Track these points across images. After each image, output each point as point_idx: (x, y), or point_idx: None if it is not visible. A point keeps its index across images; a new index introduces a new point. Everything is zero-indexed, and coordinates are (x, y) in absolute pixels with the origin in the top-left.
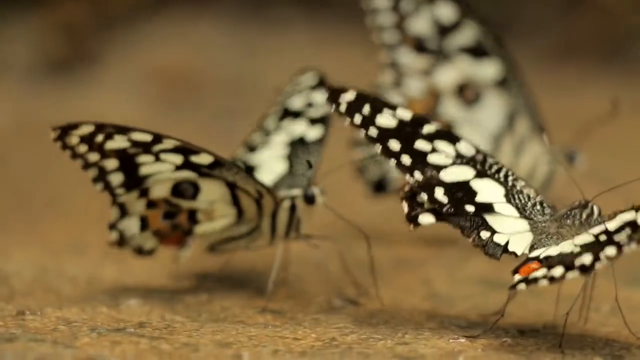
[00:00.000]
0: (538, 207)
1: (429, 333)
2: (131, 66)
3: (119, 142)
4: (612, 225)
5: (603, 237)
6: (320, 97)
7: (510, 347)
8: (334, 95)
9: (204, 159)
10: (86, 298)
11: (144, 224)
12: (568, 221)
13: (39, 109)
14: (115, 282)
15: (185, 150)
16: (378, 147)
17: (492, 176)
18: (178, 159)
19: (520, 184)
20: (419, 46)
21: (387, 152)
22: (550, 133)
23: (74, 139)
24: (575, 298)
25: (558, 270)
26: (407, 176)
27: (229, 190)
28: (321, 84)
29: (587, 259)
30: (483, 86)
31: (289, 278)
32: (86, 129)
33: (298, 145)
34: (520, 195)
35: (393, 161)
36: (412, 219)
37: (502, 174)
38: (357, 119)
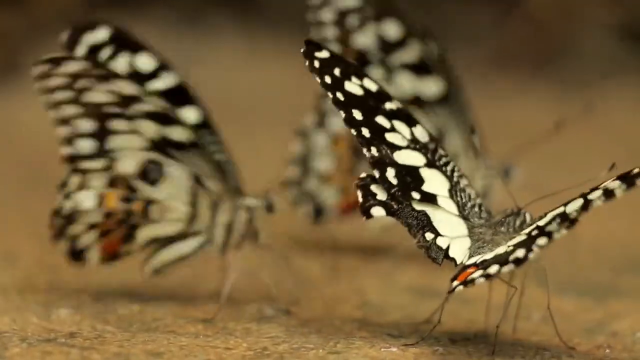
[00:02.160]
0: (476, 209)
1: (361, 342)
2: None
3: (100, 94)
4: (542, 222)
5: (535, 232)
6: None
7: (442, 356)
8: (309, 50)
9: (179, 133)
10: (17, 308)
11: (100, 201)
12: (502, 228)
13: None
14: (46, 292)
15: (162, 118)
16: (342, 114)
17: (439, 168)
18: (152, 128)
19: (463, 182)
20: (361, 60)
21: (350, 121)
22: (484, 143)
23: (59, 80)
24: (504, 307)
25: (493, 268)
26: (364, 150)
27: (191, 184)
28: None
29: (520, 252)
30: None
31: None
32: (76, 66)
33: None
34: (462, 194)
35: (353, 131)
36: (365, 210)
37: (449, 168)
38: (327, 79)
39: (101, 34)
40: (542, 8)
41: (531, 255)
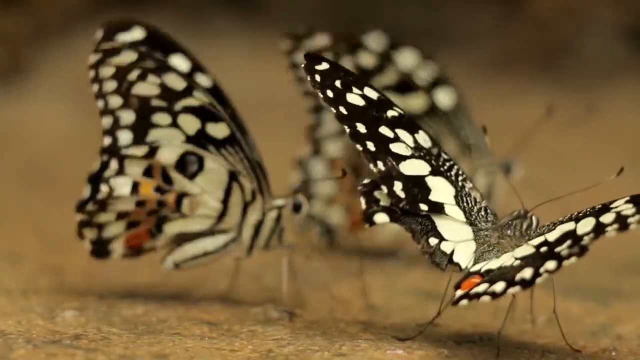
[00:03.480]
0: (482, 213)
1: (366, 344)
2: (65, 76)
3: (149, 87)
4: (552, 236)
5: (544, 249)
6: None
7: (447, 358)
8: (310, 64)
9: (220, 130)
10: (21, 310)
11: (135, 188)
12: (509, 231)
13: None
14: (50, 294)
15: (204, 113)
16: (346, 130)
17: (444, 174)
18: (195, 125)
19: (468, 186)
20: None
21: (355, 136)
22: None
23: (109, 69)
24: (507, 310)
25: (499, 286)
26: (371, 165)
27: (227, 180)
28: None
29: (527, 273)
30: None
31: (225, 289)
32: (128, 57)
33: None
34: (468, 198)
35: (359, 147)
36: (368, 217)
37: (453, 172)
38: (329, 94)
39: (136, 34)
40: (544, 9)
41: (539, 280)
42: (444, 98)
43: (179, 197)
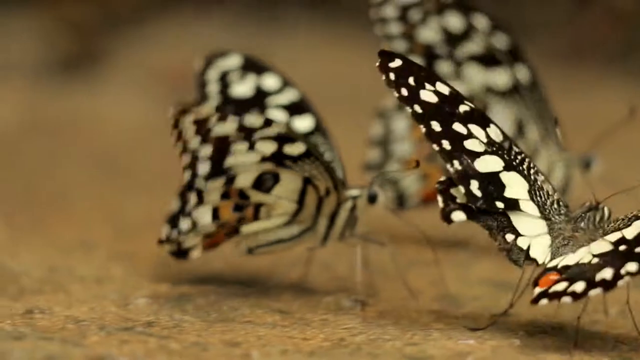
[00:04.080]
0: (555, 205)
1: (438, 334)
2: (138, 65)
3: (227, 127)
4: (629, 233)
5: (623, 247)
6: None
7: (518, 349)
8: (384, 62)
9: (296, 148)
10: (95, 297)
11: (215, 214)
12: (582, 224)
13: (46, 106)
14: (123, 282)
15: (281, 138)
16: (422, 129)
17: (517, 168)
18: (271, 148)
19: (540, 179)
20: (429, 54)
21: (430, 135)
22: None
23: (188, 119)
24: (585, 301)
25: (580, 286)
26: (447, 165)
27: (301, 186)
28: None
29: (608, 273)
30: (489, 97)
31: (297, 278)
32: (206, 110)
33: None
34: (541, 192)
35: (435, 146)
36: (446, 215)
37: (525, 165)
38: (404, 92)
39: (233, 61)
40: None
41: (620, 283)
42: (524, 75)
43: (256, 207)
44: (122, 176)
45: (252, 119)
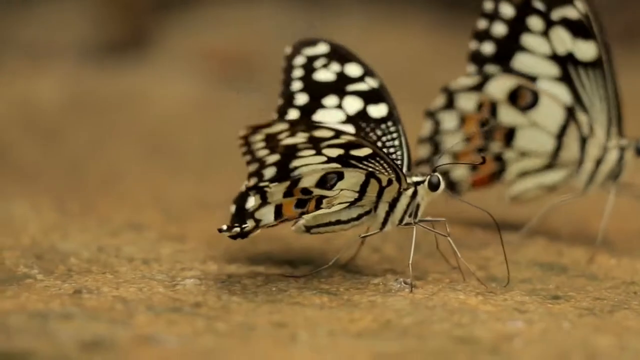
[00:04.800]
0: None
1: (486, 316)
2: (185, 46)
3: (298, 138)
4: None
5: None
6: None
7: (568, 332)
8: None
9: (363, 152)
10: (143, 278)
11: (278, 212)
12: None
13: (95, 87)
14: (171, 263)
15: (349, 145)
16: None
17: None
18: (338, 152)
19: None
20: (523, 5)
21: None
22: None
23: (259, 137)
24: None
25: None
26: None
27: (364, 179)
28: None
29: None
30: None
31: (346, 260)
32: (278, 128)
33: None
34: None
35: None
36: None
37: None
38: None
39: (321, 48)
40: None
41: None
42: (588, 50)
43: (318, 200)
44: (169, 157)
45: (323, 132)
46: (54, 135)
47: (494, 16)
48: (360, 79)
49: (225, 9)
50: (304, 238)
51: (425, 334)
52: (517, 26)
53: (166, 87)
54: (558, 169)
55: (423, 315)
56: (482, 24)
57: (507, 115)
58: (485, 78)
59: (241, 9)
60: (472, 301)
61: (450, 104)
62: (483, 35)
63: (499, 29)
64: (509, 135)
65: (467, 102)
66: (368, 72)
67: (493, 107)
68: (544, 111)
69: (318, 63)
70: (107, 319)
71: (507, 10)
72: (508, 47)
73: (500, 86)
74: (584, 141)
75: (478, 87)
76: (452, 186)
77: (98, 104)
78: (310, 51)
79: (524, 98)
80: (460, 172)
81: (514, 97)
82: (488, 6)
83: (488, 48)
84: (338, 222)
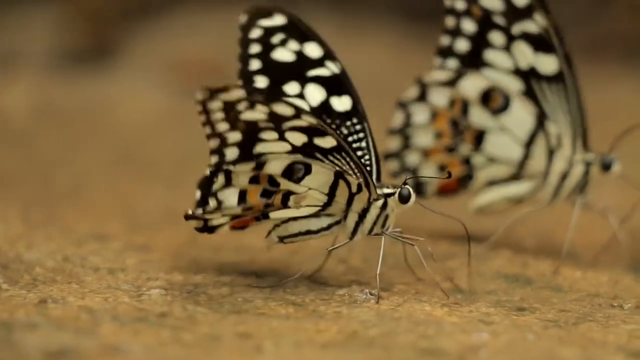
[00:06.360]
0: None
1: (452, 328)
2: (153, 56)
3: (257, 114)
4: None
5: None
6: None
7: (533, 343)
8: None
9: (327, 142)
10: (108, 287)
11: (242, 197)
12: None
13: (61, 96)
14: (137, 273)
15: (311, 130)
16: None
17: None
18: (301, 139)
19: None
20: (484, 20)
21: None
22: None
23: (217, 104)
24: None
25: None
26: None
27: (333, 179)
28: None
29: None
30: (509, 92)
31: (311, 271)
32: (234, 95)
33: None
34: None
35: None
36: None
37: None
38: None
39: (277, 20)
40: None
41: None
42: (549, 64)
43: (284, 195)
44: (137, 167)
45: (283, 108)
46: (20, 144)
47: (456, 32)
48: (321, 62)
49: (192, 17)
50: (270, 249)
51: (390, 345)
52: (480, 42)
53: (134, 96)
54: (524, 181)
55: (389, 327)
56: (445, 40)
57: (478, 117)
58: (459, 74)
59: (213, 18)
60: (437, 312)
61: (422, 97)
62: (447, 52)
63: (462, 45)
64: (479, 138)
65: (439, 97)
66: (328, 54)
67: (465, 106)
68: (514, 116)
69: (275, 39)
70: (72, 328)
71: (469, 26)
72: (472, 63)
73: (473, 85)
74: (551, 153)
75: (451, 83)
76: (418, 187)
77: (65, 113)
78: (266, 22)
79: (495, 101)
80: (427, 174)
81: (486, 99)
82: (450, 22)
83: (452, 64)
84: (308, 232)
